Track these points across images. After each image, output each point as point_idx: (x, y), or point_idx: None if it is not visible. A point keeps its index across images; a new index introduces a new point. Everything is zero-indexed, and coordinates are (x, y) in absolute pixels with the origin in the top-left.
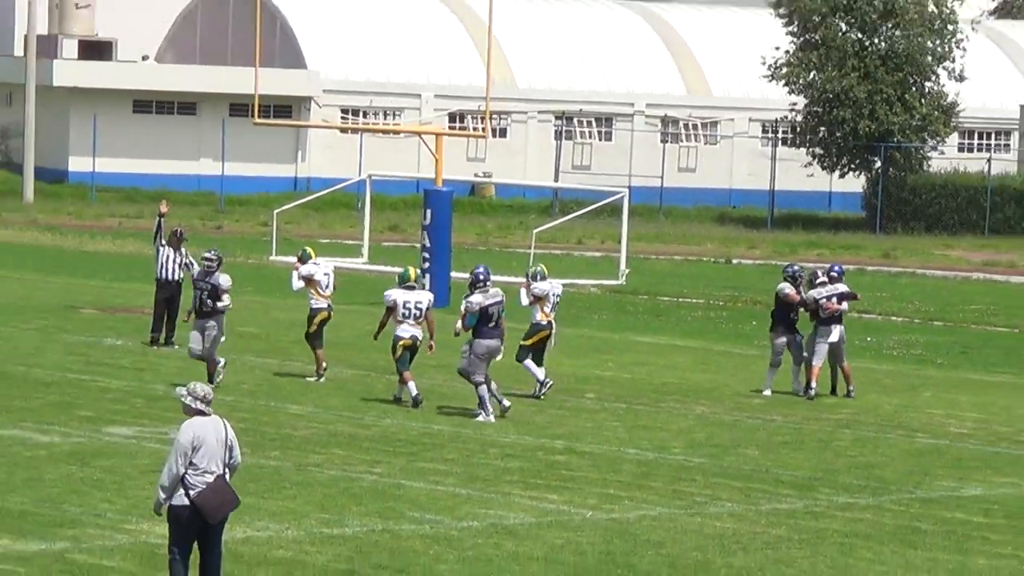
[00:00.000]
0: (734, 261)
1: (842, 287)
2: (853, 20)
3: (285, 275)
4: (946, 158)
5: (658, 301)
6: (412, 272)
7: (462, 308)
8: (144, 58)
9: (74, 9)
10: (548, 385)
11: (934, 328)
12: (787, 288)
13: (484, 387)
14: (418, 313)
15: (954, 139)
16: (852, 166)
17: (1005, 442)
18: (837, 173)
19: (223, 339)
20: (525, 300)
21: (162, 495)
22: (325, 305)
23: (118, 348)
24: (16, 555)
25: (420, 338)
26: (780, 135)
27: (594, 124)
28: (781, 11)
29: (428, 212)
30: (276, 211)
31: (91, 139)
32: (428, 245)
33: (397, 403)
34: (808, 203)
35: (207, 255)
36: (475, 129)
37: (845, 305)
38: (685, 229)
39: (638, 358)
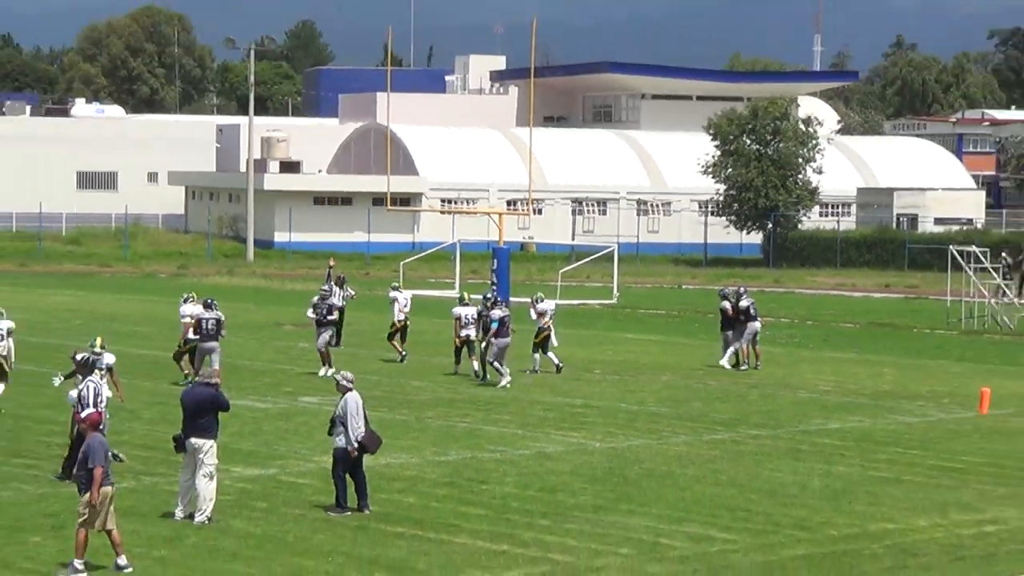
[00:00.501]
0: (683, 287)
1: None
2: (754, 137)
3: (419, 302)
4: (812, 220)
5: (638, 312)
6: (466, 295)
7: (486, 319)
8: (319, 171)
9: (276, 142)
10: (558, 368)
11: (806, 326)
12: (726, 304)
13: (501, 365)
14: (471, 320)
15: (816, 209)
16: (754, 227)
17: (853, 395)
18: (745, 231)
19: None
20: (533, 315)
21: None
22: (402, 317)
23: (306, 349)
24: (247, 477)
25: (473, 335)
26: (710, 209)
27: (595, 205)
28: (710, 131)
29: (495, 261)
30: (402, 263)
31: (288, 221)
32: (496, 282)
33: (476, 377)
34: (727, 250)
35: (323, 288)
36: (523, 209)
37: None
38: (652, 268)
39: (626, 348)
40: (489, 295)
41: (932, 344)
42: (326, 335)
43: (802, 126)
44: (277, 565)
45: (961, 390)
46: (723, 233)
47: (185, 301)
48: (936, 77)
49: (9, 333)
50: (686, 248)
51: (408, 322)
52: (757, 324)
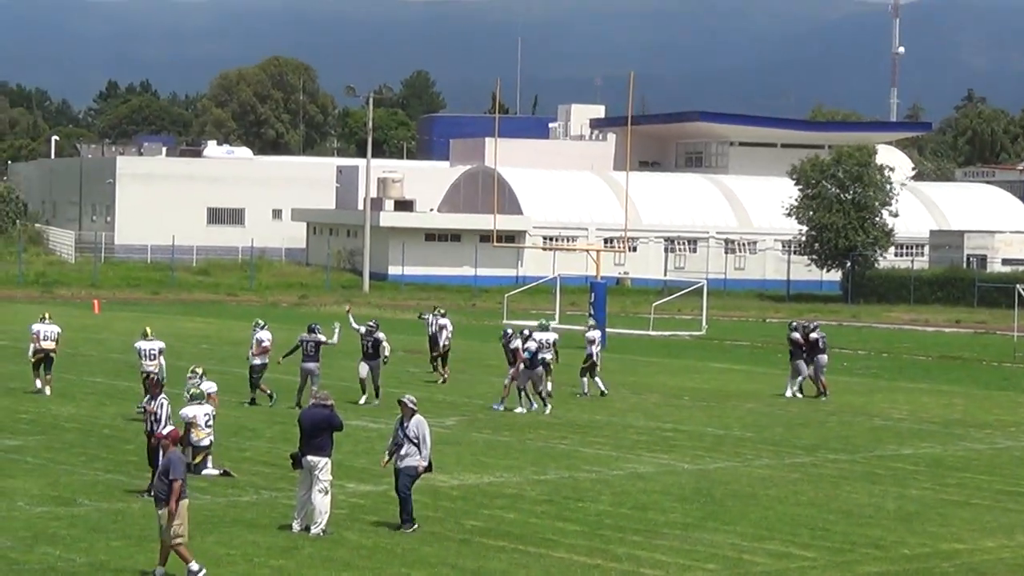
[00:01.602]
0: (767, 320)
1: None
2: (834, 183)
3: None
4: (887, 260)
5: (725, 343)
6: (545, 321)
7: (521, 350)
8: (431, 210)
9: (391, 183)
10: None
11: (882, 358)
12: (796, 335)
13: (525, 394)
14: (548, 345)
15: (892, 250)
16: (834, 265)
17: (925, 423)
18: (825, 269)
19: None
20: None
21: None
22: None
23: (415, 374)
24: (360, 493)
25: (549, 358)
26: (793, 248)
27: (686, 243)
28: (794, 176)
29: (592, 295)
30: (507, 295)
31: (401, 256)
32: (593, 313)
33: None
34: (808, 287)
35: (370, 323)
36: (619, 247)
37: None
38: (738, 303)
39: (713, 376)
40: (526, 330)
41: (999, 376)
42: (365, 367)
43: (877, 174)
44: (387, 575)
45: None
46: (805, 271)
47: (261, 328)
48: (1004, 128)
49: (160, 352)
50: (770, 284)
51: (448, 346)
52: (824, 357)
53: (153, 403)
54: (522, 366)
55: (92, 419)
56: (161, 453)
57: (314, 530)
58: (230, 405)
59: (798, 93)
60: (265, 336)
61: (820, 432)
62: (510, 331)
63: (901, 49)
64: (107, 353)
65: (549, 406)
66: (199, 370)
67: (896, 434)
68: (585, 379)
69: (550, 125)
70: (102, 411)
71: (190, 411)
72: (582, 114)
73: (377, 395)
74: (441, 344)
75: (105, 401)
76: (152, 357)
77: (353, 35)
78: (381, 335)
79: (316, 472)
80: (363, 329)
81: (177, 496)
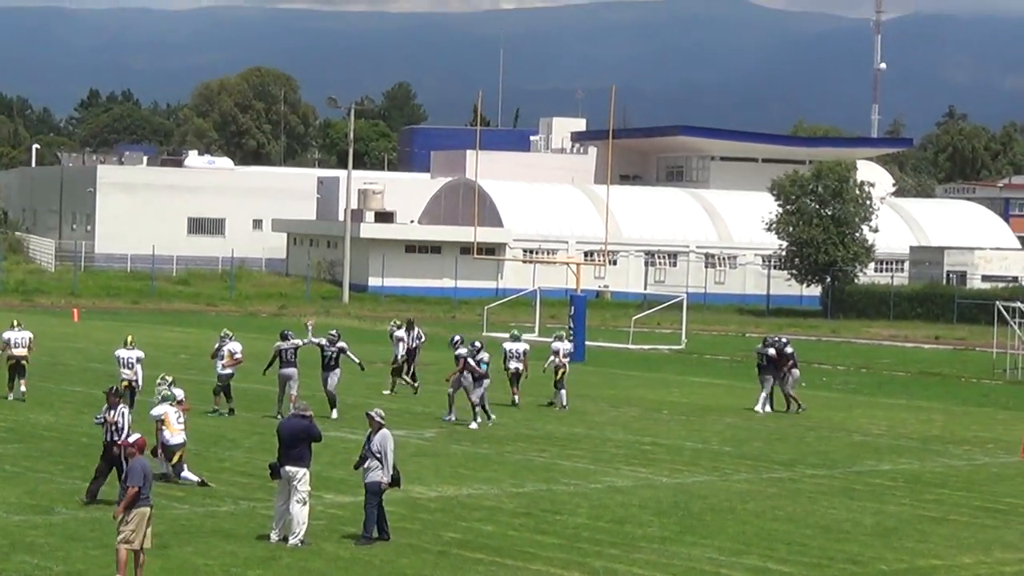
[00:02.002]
0: (746, 335)
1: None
2: (814, 198)
3: (491, 344)
4: (867, 276)
5: (704, 358)
6: (517, 332)
7: (472, 362)
8: (411, 221)
9: (372, 194)
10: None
11: (861, 373)
12: (772, 351)
13: (486, 406)
14: (519, 355)
15: (871, 265)
16: (814, 280)
17: (903, 439)
18: (805, 284)
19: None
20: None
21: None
22: (404, 353)
23: (400, 385)
24: (338, 504)
25: (521, 368)
26: (773, 263)
27: (666, 257)
28: (774, 192)
29: (572, 308)
30: (487, 307)
31: (381, 267)
32: (573, 327)
33: (514, 405)
34: (788, 302)
35: (331, 333)
36: (599, 260)
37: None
38: (718, 317)
39: (693, 391)
40: (478, 343)
41: (978, 393)
42: (334, 377)
43: (857, 189)
44: None
45: (1005, 436)
46: (785, 286)
47: (231, 339)
48: (985, 145)
49: (139, 361)
50: (750, 299)
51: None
52: (797, 371)
53: (113, 413)
54: (466, 374)
55: (71, 428)
56: (125, 462)
57: (292, 540)
58: (208, 416)
59: (779, 108)
60: (236, 347)
61: (798, 447)
62: (458, 338)
63: (883, 65)
64: (86, 362)
65: (493, 417)
66: (168, 378)
67: (874, 450)
68: (563, 392)
69: (531, 138)
70: (80, 420)
71: (160, 409)
72: (563, 127)
73: (334, 405)
74: (402, 355)
75: (84, 410)
76: (130, 366)
77: (335, 46)
78: (343, 344)
79: (295, 483)
80: (323, 340)
81: (128, 501)
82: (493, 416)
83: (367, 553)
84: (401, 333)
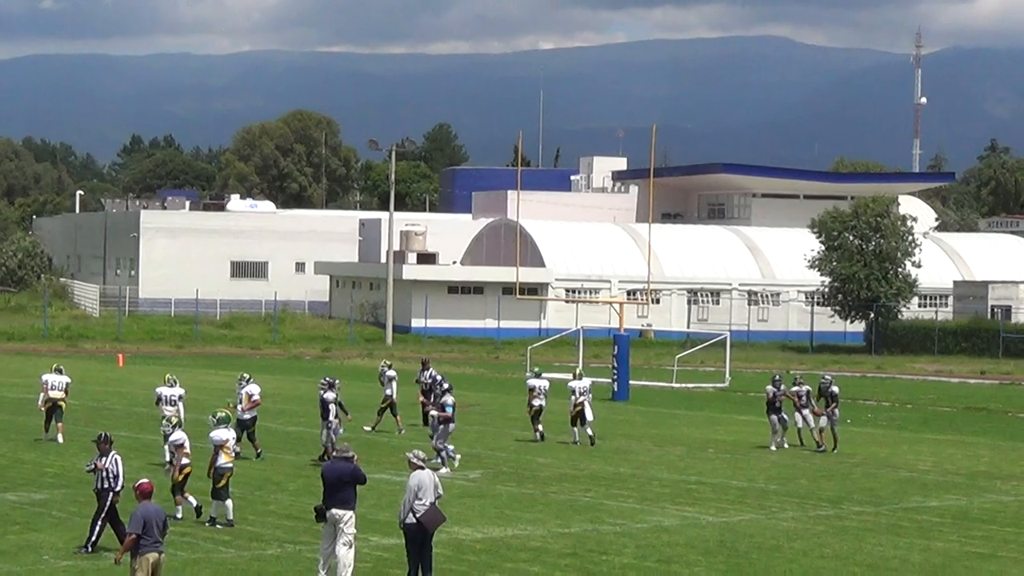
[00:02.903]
0: (791, 372)
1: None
2: (856, 234)
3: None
4: (911, 311)
5: (749, 396)
6: (538, 370)
7: (443, 405)
8: (453, 262)
9: (414, 235)
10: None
11: (906, 409)
12: (769, 388)
13: (449, 449)
14: (542, 391)
15: (915, 300)
16: (857, 316)
17: (950, 475)
18: (848, 320)
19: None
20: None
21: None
22: (391, 394)
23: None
24: (384, 546)
25: (544, 405)
26: (816, 299)
27: (709, 295)
28: (815, 229)
29: (616, 347)
30: (530, 347)
31: (424, 308)
32: (616, 366)
33: (540, 439)
34: (832, 338)
35: (321, 381)
36: (642, 299)
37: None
38: (762, 355)
39: (738, 429)
40: (446, 383)
41: None
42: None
43: (900, 224)
44: None
45: None
46: (828, 322)
47: (248, 382)
48: None
49: (180, 399)
50: (793, 336)
51: (395, 400)
52: (806, 411)
53: (104, 460)
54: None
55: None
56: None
57: None
58: (250, 460)
59: (820, 145)
60: (255, 390)
61: (845, 484)
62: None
63: (923, 100)
64: (131, 407)
65: (451, 464)
66: (220, 413)
67: (921, 486)
68: (576, 428)
69: (572, 177)
70: (126, 465)
71: (222, 434)
72: (604, 166)
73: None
74: (392, 394)
75: (130, 455)
76: (172, 403)
77: (375, 89)
78: (330, 395)
79: (341, 525)
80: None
81: (126, 547)
82: (458, 456)
83: None
84: (392, 372)
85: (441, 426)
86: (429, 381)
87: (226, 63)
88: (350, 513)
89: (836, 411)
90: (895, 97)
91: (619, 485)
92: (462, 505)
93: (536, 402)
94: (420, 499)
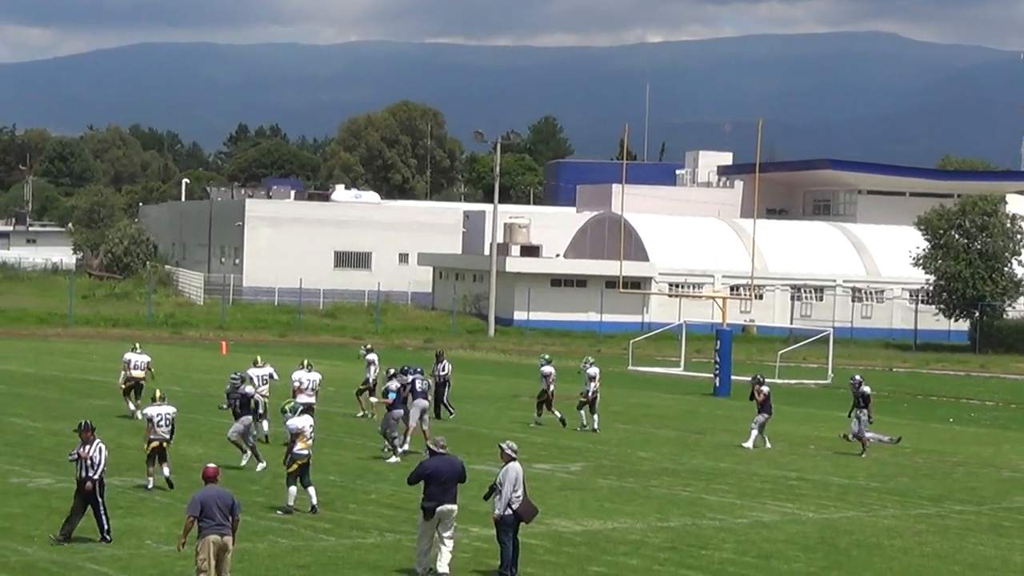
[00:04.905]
0: (893, 370)
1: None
2: (963, 232)
3: (637, 378)
4: (1016, 310)
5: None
6: (548, 356)
7: (386, 391)
8: (557, 255)
9: (518, 228)
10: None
11: (1010, 409)
12: (766, 388)
13: (398, 439)
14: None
15: (1021, 300)
16: (962, 315)
17: None
18: (953, 319)
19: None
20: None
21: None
22: (373, 377)
23: (541, 420)
24: (484, 537)
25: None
26: (920, 297)
27: (813, 292)
28: (921, 227)
29: (718, 342)
30: (632, 341)
31: (527, 301)
32: (718, 361)
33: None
34: (936, 337)
35: (232, 376)
36: (745, 294)
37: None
38: (865, 352)
39: (839, 426)
40: (391, 369)
41: None
42: (239, 425)
43: (1008, 222)
44: None
45: None
46: (932, 320)
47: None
48: None
49: (271, 377)
50: (897, 333)
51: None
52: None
53: (88, 448)
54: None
55: (219, 460)
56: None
57: (442, 568)
58: (355, 448)
59: (927, 142)
60: (315, 377)
61: (946, 483)
62: (392, 370)
63: None
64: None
65: (402, 449)
66: (291, 403)
67: None
68: (583, 412)
69: (677, 172)
70: (229, 451)
71: (299, 422)
72: (709, 161)
73: (259, 459)
74: (371, 378)
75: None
76: (264, 382)
77: (481, 81)
78: (250, 389)
79: (447, 519)
80: (228, 386)
81: (185, 530)
82: (405, 446)
83: None
84: (372, 357)
85: (387, 413)
86: (443, 374)
87: (333, 53)
88: (455, 507)
89: (868, 413)
90: (1004, 94)
91: (719, 480)
92: (562, 497)
93: (550, 388)
94: (516, 491)
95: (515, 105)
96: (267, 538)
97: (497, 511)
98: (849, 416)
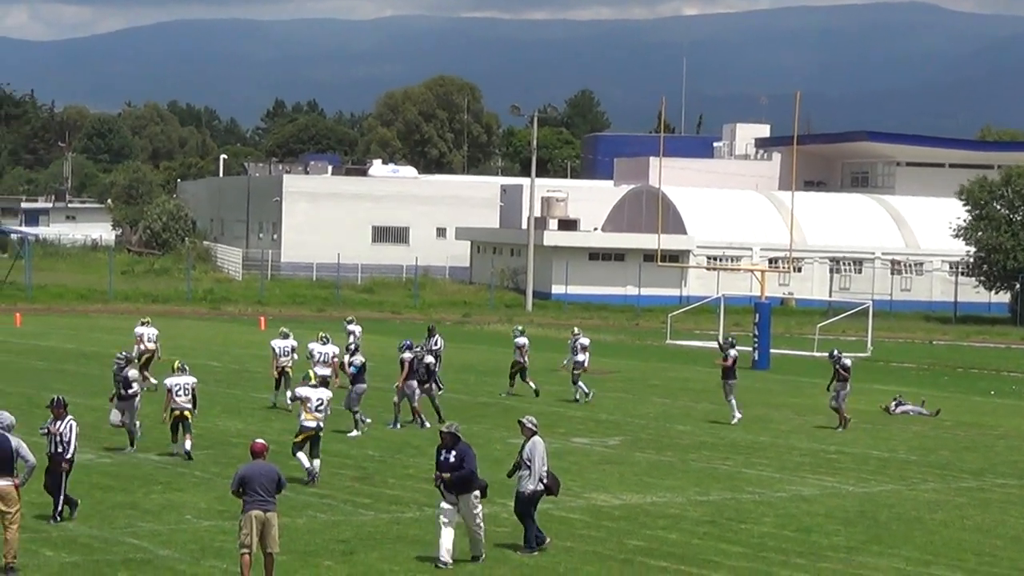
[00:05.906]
0: (933, 342)
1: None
2: (1004, 203)
3: (675, 352)
4: None
5: (890, 366)
6: (521, 328)
7: (350, 364)
8: (595, 229)
9: (555, 202)
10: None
11: None
12: (734, 352)
13: (359, 413)
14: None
15: None
16: (1003, 287)
17: None
18: (994, 291)
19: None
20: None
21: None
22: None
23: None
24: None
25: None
26: (960, 269)
27: (851, 264)
28: (962, 197)
29: (757, 315)
30: (670, 315)
31: (564, 275)
32: (757, 334)
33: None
34: (976, 309)
35: (118, 356)
36: (783, 267)
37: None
38: (904, 324)
39: (879, 398)
40: (351, 344)
41: None
42: (118, 413)
43: None
44: None
45: None
46: (972, 292)
47: (323, 342)
48: None
49: (293, 350)
50: (936, 306)
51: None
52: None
53: (59, 424)
54: (410, 382)
55: (259, 434)
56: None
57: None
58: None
59: (966, 113)
60: (333, 350)
61: (987, 456)
62: (407, 343)
63: None
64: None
65: (368, 420)
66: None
67: None
68: (581, 384)
69: (715, 144)
70: (268, 426)
71: (302, 391)
72: (747, 133)
73: (133, 443)
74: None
75: (271, 416)
76: (286, 354)
77: (518, 54)
78: (134, 372)
79: (472, 500)
80: (115, 367)
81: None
82: (368, 420)
83: (551, 560)
84: (353, 327)
85: (350, 388)
86: (435, 348)
87: (369, 28)
88: (477, 492)
89: (846, 385)
90: None
91: (759, 454)
92: (601, 472)
93: (522, 359)
94: (544, 465)
95: (552, 79)
96: (306, 512)
97: (530, 486)
98: (828, 389)
